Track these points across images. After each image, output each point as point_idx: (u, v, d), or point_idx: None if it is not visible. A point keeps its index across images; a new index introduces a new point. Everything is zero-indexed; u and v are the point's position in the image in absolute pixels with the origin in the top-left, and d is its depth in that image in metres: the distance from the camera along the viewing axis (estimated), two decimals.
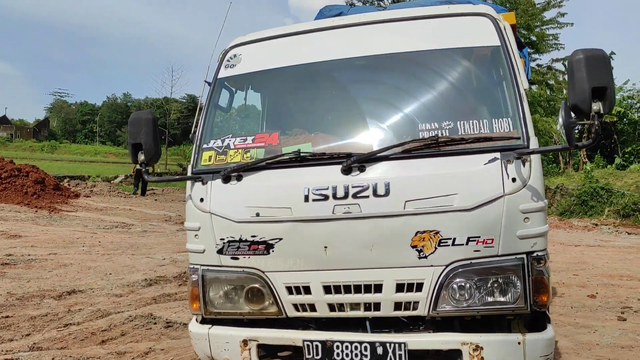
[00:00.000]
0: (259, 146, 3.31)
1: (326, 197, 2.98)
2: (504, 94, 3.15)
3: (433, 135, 3.01)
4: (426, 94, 3.39)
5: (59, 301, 6.30)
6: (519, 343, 2.83)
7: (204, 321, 3.31)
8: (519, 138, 2.94)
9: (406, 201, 2.91)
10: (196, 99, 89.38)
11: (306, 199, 3.01)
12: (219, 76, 3.60)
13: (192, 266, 3.29)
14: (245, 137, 3.36)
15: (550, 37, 25.20)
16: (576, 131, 3.01)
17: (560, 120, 2.70)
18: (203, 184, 3.25)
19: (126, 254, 9.43)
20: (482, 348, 2.83)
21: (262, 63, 3.57)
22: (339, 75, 3.64)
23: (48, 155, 57.72)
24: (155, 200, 18.12)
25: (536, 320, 3.01)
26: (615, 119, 25.59)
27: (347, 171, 3.00)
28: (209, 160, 3.33)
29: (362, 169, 3.00)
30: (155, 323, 5.55)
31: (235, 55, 3.61)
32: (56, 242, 10.45)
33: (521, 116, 2.99)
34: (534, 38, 24.92)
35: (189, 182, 3.32)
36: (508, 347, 2.84)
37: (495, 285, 2.91)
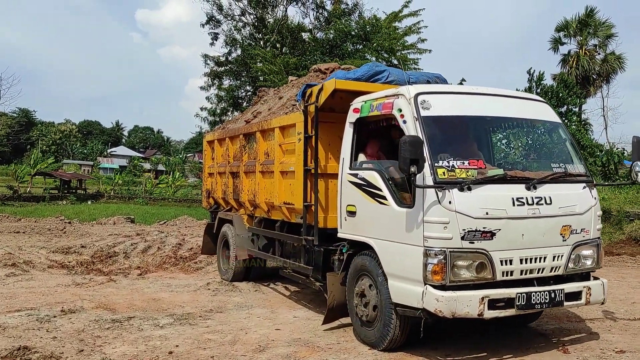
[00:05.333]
0: (474, 168, 4.90)
1: (523, 204, 4.88)
2: (575, 149, 5.67)
3: (562, 171, 5.40)
4: (548, 144, 6.05)
5: None
6: (602, 284, 5.29)
7: (442, 288, 4.63)
8: (589, 176, 5.53)
9: (559, 207, 5.06)
10: (29, 113, 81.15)
11: (513, 203, 4.84)
12: (422, 114, 4.93)
13: (437, 249, 4.63)
14: (462, 161, 4.87)
15: (411, 62, 25.78)
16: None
17: (638, 168, 5.31)
18: (449, 191, 4.67)
19: None
20: (590, 288, 5.18)
21: (448, 110, 5.18)
22: (499, 125, 5.96)
23: None
24: None
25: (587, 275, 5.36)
26: None
27: (529, 188, 4.97)
28: (444, 175, 4.74)
29: (535, 187, 4.99)
30: None
31: (425, 101, 5.00)
32: None
33: (585, 164, 5.67)
34: (395, 62, 25.26)
35: (427, 190, 4.70)
36: (599, 286, 5.25)
37: (589, 255, 5.24)
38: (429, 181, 4.70)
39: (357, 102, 5.82)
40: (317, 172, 6.15)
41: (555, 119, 5.77)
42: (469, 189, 4.71)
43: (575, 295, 5.08)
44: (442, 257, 4.61)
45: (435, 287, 4.64)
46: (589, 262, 5.23)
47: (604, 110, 36.58)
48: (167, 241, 13.42)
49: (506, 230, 4.76)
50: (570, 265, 5.09)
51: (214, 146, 9.89)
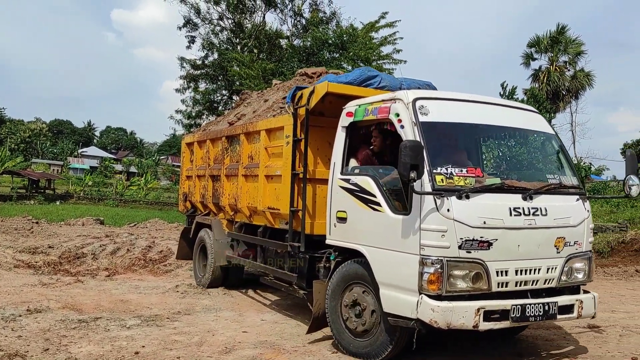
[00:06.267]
0: (472, 176, 4.79)
1: (520, 214, 4.78)
2: (568, 161, 5.64)
3: (557, 182, 5.30)
4: (542, 155, 5.89)
5: None
6: (593, 298, 5.22)
7: (438, 298, 4.50)
8: (582, 188, 5.49)
9: (554, 219, 4.97)
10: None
11: (510, 213, 4.74)
12: (421, 120, 4.81)
13: (434, 257, 4.51)
14: (461, 169, 4.78)
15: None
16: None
17: (631, 182, 5.15)
18: (447, 198, 4.53)
19: None
20: (582, 302, 5.10)
21: (446, 116, 5.06)
22: (495, 135, 5.82)
23: None
24: None
25: (578, 288, 5.28)
26: None
27: (525, 198, 4.86)
28: (442, 182, 4.62)
29: (531, 198, 4.90)
30: None
31: (423, 106, 4.89)
32: None
33: (579, 177, 5.65)
34: None
35: (425, 197, 4.58)
36: (591, 300, 5.19)
37: (581, 268, 5.18)
38: (428, 188, 4.57)
39: (350, 106, 5.67)
40: (305, 177, 5.98)
41: (549, 130, 5.72)
42: (467, 197, 4.59)
43: (567, 309, 5.00)
44: (438, 266, 4.47)
45: (430, 297, 4.51)
46: (580, 276, 5.16)
47: (572, 126, 37.48)
48: (137, 243, 13.34)
49: (503, 240, 4.67)
50: (563, 277, 5.02)
51: (193, 148, 9.63)
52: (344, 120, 5.67)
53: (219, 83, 27.36)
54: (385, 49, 25.75)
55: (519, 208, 4.78)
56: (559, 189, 5.23)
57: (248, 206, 7.41)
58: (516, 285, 4.78)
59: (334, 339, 5.59)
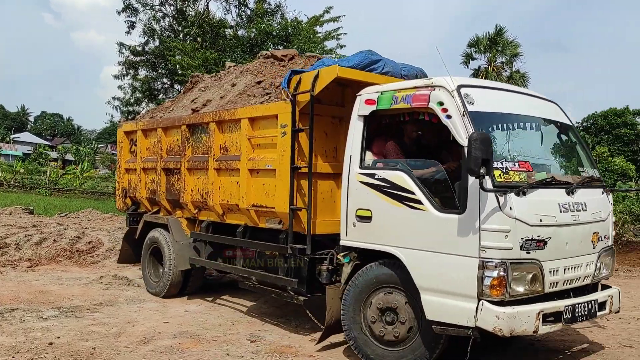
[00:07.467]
0: (523, 170, 4.53)
1: (567, 210, 4.58)
2: (588, 154, 5.47)
3: (589, 175, 5.22)
4: (568, 148, 5.57)
5: None
6: (618, 292, 5.13)
7: (499, 304, 4.17)
8: (602, 181, 5.37)
9: (592, 213, 4.82)
10: None
11: (560, 210, 4.53)
12: (469, 109, 4.40)
13: (496, 260, 4.16)
14: (514, 163, 4.52)
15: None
16: None
17: None
18: (508, 196, 4.20)
19: None
20: (612, 297, 5.03)
21: (491, 106, 4.74)
22: (532, 126, 5.21)
23: None
24: None
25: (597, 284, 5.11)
26: None
27: (569, 193, 4.68)
28: (500, 178, 4.27)
29: (573, 192, 4.71)
30: None
31: (467, 94, 4.49)
32: None
33: (598, 169, 5.54)
34: None
35: (485, 194, 4.19)
36: (617, 294, 5.11)
37: (608, 262, 5.13)
38: (487, 184, 4.15)
39: (369, 93, 5.10)
40: (310, 171, 5.41)
41: (569, 121, 5.50)
42: (524, 193, 4.27)
43: (602, 305, 4.88)
44: (502, 269, 4.13)
45: (493, 302, 4.16)
46: (606, 271, 5.08)
47: None
48: (65, 234, 12.90)
49: (555, 238, 4.44)
50: (596, 273, 4.91)
51: (135, 137, 8.47)
52: (363, 109, 5.09)
53: (159, 71, 26.80)
54: (329, 44, 25.92)
55: (566, 204, 4.58)
56: (592, 182, 5.09)
57: (222, 203, 6.61)
58: (563, 285, 4.60)
59: (351, 347, 5.07)
